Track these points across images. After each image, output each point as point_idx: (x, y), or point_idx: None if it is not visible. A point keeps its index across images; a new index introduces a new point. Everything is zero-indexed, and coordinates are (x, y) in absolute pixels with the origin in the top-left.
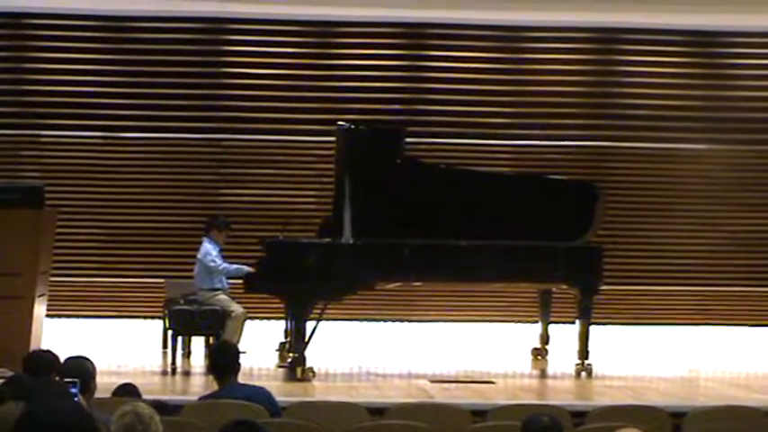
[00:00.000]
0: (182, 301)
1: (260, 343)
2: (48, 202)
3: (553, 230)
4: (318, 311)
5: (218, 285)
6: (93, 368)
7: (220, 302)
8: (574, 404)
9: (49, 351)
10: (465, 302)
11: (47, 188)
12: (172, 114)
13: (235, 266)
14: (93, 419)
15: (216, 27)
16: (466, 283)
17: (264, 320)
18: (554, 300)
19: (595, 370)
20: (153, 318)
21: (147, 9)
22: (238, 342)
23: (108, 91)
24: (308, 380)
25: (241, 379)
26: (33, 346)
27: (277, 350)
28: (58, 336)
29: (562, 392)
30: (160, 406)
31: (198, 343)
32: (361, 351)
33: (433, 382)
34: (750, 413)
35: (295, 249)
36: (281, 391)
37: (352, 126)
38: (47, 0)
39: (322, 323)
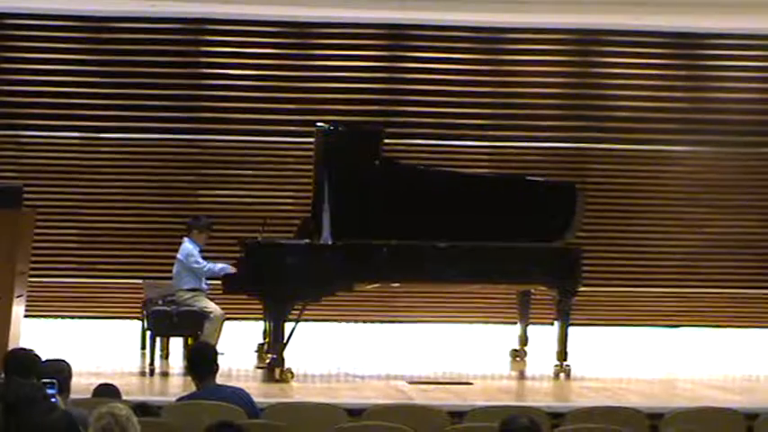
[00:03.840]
0: (160, 302)
1: (238, 344)
2: (26, 203)
3: (532, 231)
4: (297, 312)
5: (197, 286)
6: (70, 369)
7: (199, 303)
8: (552, 405)
9: (30, 350)
10: (443, 303)
11: (25, 188)
12: (150, 115)
13: (219, 266)
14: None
15: (194, 28)
16: (444, 284)
17: (243, 321)
18: (533, 301)
19: (574, 371)
20: (131, 318)
21: (126, 9)
22: (216, 343)
23: (86, 91)
24: (287, 381)
25: (219, 380)
26: (11, 347)
27: (256, 351)
28: (37, 336)
29: (540, 394)
30: (145, 407)
31: (176, 344)
32: (339, 352)
33: (411, 383)
34: (727, 415)
35: (273, 250)
36: (260, 392)
37: (331, 127)
38: (26, 0)
39: (300, 324)
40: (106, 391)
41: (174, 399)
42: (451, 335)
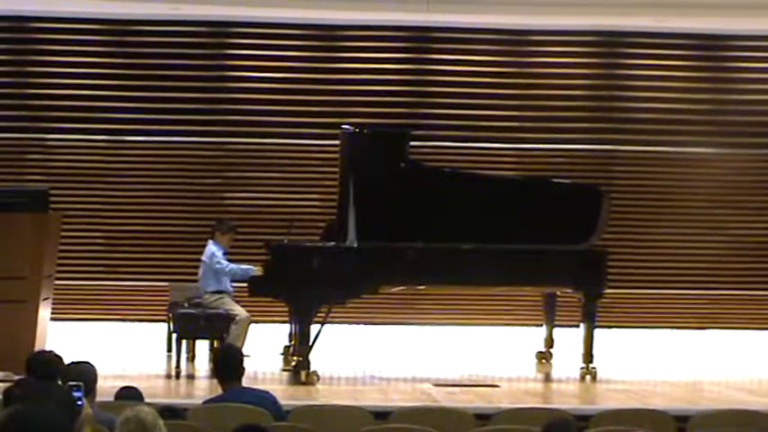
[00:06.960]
0: (186, 305)
1: (264, 346)
2: (52, 206)
3: (557, 234)
4: (322, 315)
5: (223, 288)
6: (95, 372)
7: (224, 306)
8: (578, 408)
9: (51, 352)
10: (469, 306)
11: (52, 191)
12: (176, 118)
13: (242, 267)
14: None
15: (220, 30)
16: (470, 286)
17: (269, 324)
18: (558, 303)
19: (600, 374)
20: (157, 321)
21: (152, 13)
22: (242, 346)
23: (112, 94)
24: (313, 383)
25: (245, 383)
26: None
27: (281, 354)
28: (63, 339)
29: (567, 396)
30: (171, 410)
31: (202, 346)
32: (365, 355)
33: (437, 385)
34: (754, 417)
35: (299, 253)
36: (286, 395)
37: (357, 129)
38: (52, 4)
39: (326, 327)
40: (128, 395)
41: (199, 401)
42: (477, 337)
